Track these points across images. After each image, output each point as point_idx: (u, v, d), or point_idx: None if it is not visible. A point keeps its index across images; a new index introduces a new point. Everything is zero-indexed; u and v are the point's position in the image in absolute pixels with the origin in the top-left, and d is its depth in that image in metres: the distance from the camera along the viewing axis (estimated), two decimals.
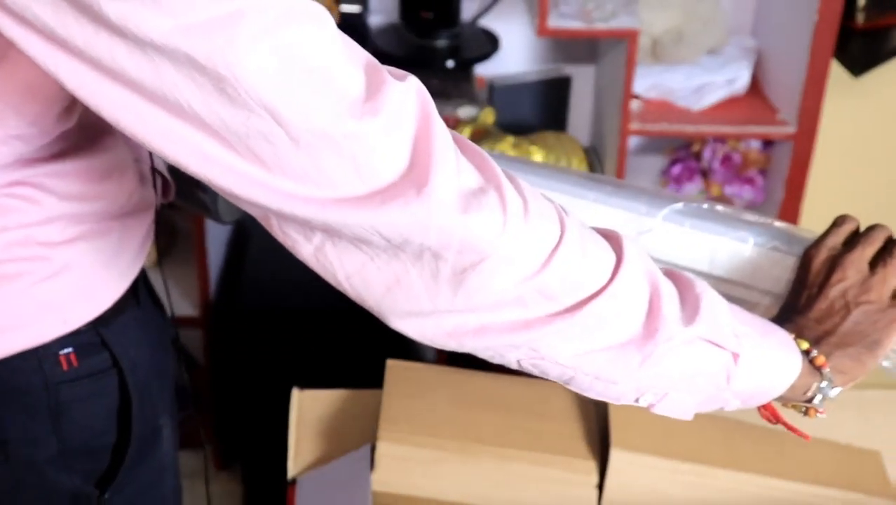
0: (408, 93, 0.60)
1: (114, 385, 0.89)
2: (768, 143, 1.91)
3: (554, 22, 1.70)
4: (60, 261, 0.84)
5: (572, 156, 1.85)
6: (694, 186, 1.95)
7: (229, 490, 1.98)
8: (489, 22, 1.90)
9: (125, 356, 0.89)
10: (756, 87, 1.90)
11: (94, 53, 0.55)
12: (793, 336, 0.77)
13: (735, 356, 0.72)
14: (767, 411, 0.81)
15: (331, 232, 0.63)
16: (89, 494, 0.91)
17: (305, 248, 0.65)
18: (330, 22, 0.60)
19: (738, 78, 1.86)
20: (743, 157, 1.91)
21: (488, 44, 1.86)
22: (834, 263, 0.80)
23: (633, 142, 1.91)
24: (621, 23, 1.71)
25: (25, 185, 0.79)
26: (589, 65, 2.00)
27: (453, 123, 1.81)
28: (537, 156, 1.85)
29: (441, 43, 1.82)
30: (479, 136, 1.78)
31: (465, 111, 1.77)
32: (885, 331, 0.79)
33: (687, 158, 1.97)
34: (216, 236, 1.92)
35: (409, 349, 2.13)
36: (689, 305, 0.71)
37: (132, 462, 0.92)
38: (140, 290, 0.94)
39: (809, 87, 1.73)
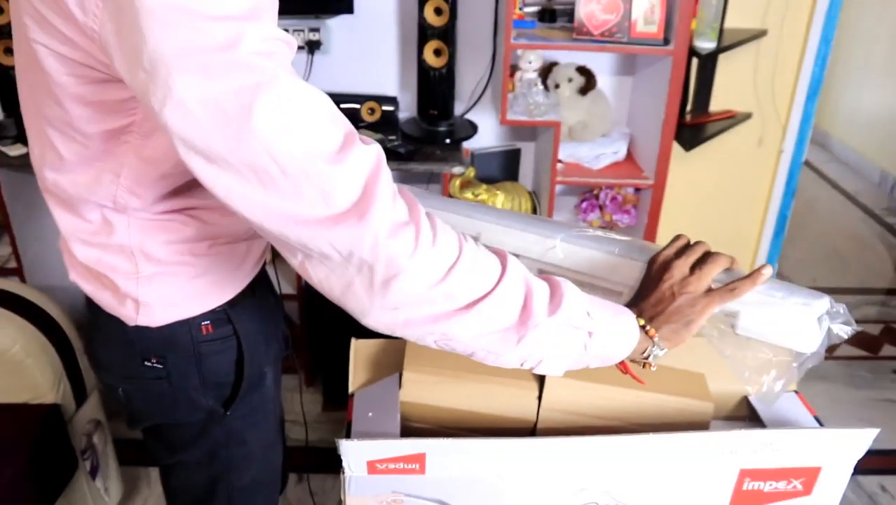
0: (368, 153, 0.65)
1: (234, 346, 0.94)
2: (638, 190, 2.03)
3: (510, 116, 1.86)
4: (204, 265, 0.88)
5: (522, 196, 1.99)
6: (594, 215, 2.09)
7: (314, 399, 2.07)
8: (472, 116, 2.07)
9: (241, 328, 0.94)
10: (630, 156, 2.06)
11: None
12: (636, 315, 0.82)
13: (590, 333, 0.77)
14: (621, 366, 0.86)
15: (305, 250, 0.66)
16: (217, 410, 0.97)
17: (294, 262, 0.68)
18: (324, 98, 0.65)
19: (619, 150, 2.03)
20: (623, 197, 2.05)
21: (471, 129, 2.00)
22: (666, 266, 0.86)
23: (558, 188, 1.96)
24: (550, 117, 1.87)
25: (182, 212, 0.84)
26: (531, 141, 2.14)
27: (448, 177, 1.91)
28: (501, 196, 1.94)
29: (442, 128, 1.94)
30: (465, 185, 1.91)
31: (456, 169, 1.85)
32: (698, 313, 0.83)
33: (590, 198, 2.11)
34: None
35: None
36: (555, 301, 0.74)
37: (244, 393, 0.97)
38: (256, 283, 0.96)
39: (661, 156, 1.89)
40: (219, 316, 0.92)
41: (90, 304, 0.95)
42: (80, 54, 0.68)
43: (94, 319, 0.95)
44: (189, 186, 0.82)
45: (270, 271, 1.03)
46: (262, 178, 0.61)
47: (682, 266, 0.85)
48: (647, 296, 0.85)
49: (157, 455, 1.06)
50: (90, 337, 0.99)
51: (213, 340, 0.93)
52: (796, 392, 1.14)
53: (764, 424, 1.08)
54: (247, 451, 1.04)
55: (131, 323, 0.90)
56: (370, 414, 1.02)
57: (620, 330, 0.81)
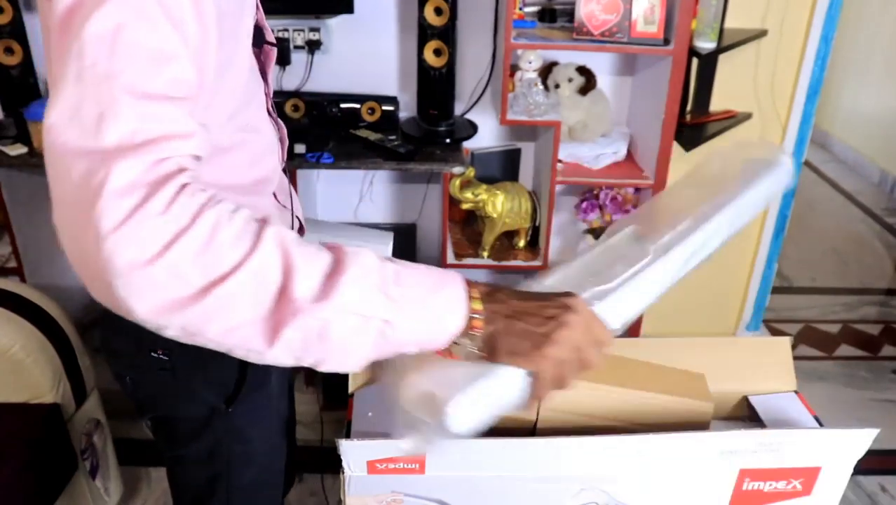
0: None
1: None
2: (638, 190, 2.02)
3: (510, 116, 1.86)
4: None
5: (522, 196, 1.98)
6: (594, 215, 2.07)
7: (314, 399, 2.06)
8: (472, 115, 2.06)
9: None
10: (630, 156, 2.06)
11: None
12: (467, 294, 0.63)
13: (385, 321, 0.59)
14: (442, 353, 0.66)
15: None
16: (220, 406, 0.98)
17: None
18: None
19: (619, 150, 2.03)
20: (623, 197, 2.03)
21: (471, 129, 1.99)
22: (578, 310, 0.67)
23: (558, 188, 1.96)
24: (550, 117, 1.87)
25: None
26: (531, 141, 2.14)
27: (448, 177, 1.90)
28: (501, 196, 1.94)
29: (442, 128, 1.93)
30: (465, 185, 1.91)
31: (457, 169, 1.84)
32: (540, 356, 0.65)
33: (590, 198, 2.09)
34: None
35: None
36: (331, 281, 0.57)
37: (247, 391, 0.97)
38: None
39: (661, 157, 1.89)
40: None
41: None
42: None
43: (104, 307, 0.94)
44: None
45: None
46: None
47: (588, 327, 0.67)
48: (525, 299, 0.67)
49: (161, 448, 1.07)
50: (102, 325, 0.99)
51: None
52: (796, 392, 1.14)
53: (764, 424, 1.09)
54: (248, 449, 1.03)
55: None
56: (370, 414, 1.03)
57: (435, 314, 0.62)
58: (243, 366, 0.94)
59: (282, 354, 0.59)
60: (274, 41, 0.95)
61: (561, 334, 0.65)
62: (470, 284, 0.65)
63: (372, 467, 0.97)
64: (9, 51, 1.88)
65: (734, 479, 1.02)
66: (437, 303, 0.63)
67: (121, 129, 0.55)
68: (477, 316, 0.64)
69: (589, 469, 0.99)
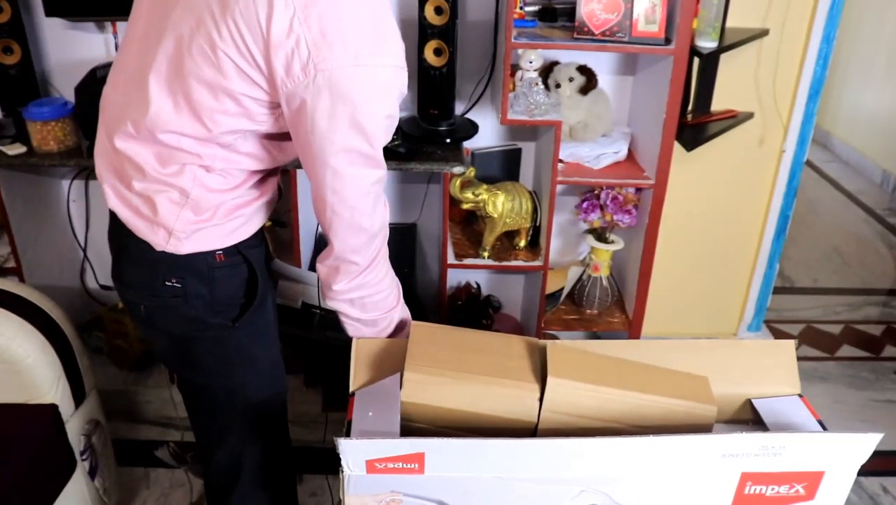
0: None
1: (245, 270, 1.14)
2: (639, 190, 2.01)
3: (510, 116, 1.85)
4: (231, 217, 1.11)
5: (523, 196, 1.98)
6: (595, 215, 2.06)
7: (314, 399, 2.07)
8: (472, 115, 2.07)
9: (250, 255, 1.14)
10: (631, 156, 2.05)
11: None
12: None
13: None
14: None
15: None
16: (227, 324, 1.15)
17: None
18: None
19: (620, 150, 2.02)
20: (624, 197, 2.02)
21: (471, 128, 1.99)
22: None
23: (559, 188, 1.94)
24: (551, 117, 1.86)
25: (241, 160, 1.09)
26: (531, 141, 2.14)
27: (449, 177, 1.90)
28: (501, 196, 1.93)
29: (442, 128, 1.93)
30: (465, 185, 1.91)
31: (457, 169, 1.85)
32: None
33: (591, 198, 2.09)
34: (307, 242, 2.05)
35: (423, 315, 2.42)
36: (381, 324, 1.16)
37: (251, 311, 1.16)
38: (260, 232, 1.18)
39: (662, 156, 1.88)
40: (231, 249, 1.12)
41: (120, 229, 1.12)
42: (263, 85, 0.97)
43: (123, 242, 1.13)
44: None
45: None
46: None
47: None
48: None
49: (183, 380, 1.26)
50: (117, 259, 1.17)
51: (225, 266, 1.12)
52: (800, 396, 1.13)
53: (767, 427, 1.08)
54: (257, 368, 1.21)
55: (159, 249, 1.08)
56: (370, 413, 1.03)
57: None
58: (249, 290, 1.16)
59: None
60: None
61: None
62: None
63: (371, 467, 0.97)
64: (8, 50, 1.87)
65: (735, 482, 1.01)
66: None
67: None
68: None
69: (589, 471, 0.99)
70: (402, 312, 1.19)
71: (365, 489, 1.00)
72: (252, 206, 1.14)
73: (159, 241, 1.08)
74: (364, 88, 0.94)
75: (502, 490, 1.00)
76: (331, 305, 1.14)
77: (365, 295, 1.12)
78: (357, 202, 1.03)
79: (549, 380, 1.04)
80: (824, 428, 1.07)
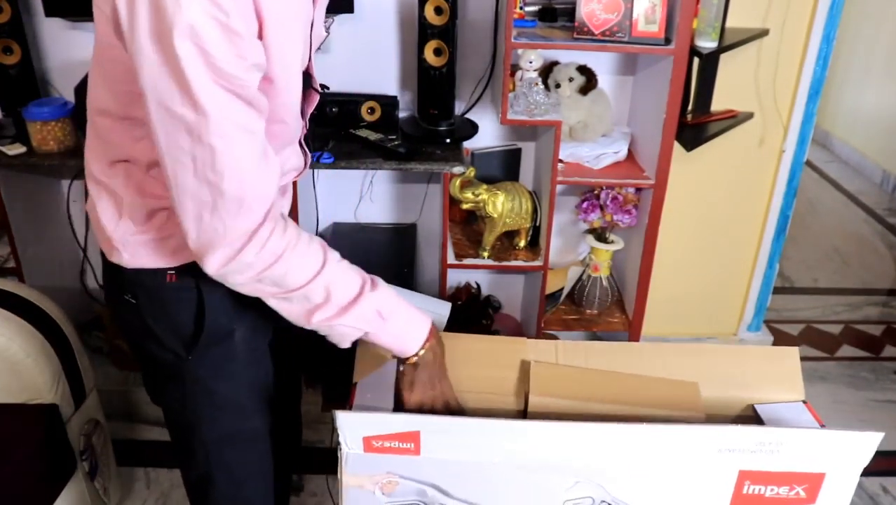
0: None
1: (194, 297, 1.02)
2: (639, 190, 2.01)
3: (510, 116, 1.84)
4: (169, 230, 0.99)
5: (523, 196, 1.98)
6: (595, 215, 2.06)
7: (314, 399, 2.06)
8: (472, 115, 2.06)
9: (205, 284, 1.00)
10: (631, 156, 2.05)
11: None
12: (422, 343, 1.02)
13: (367, 332, 0.98)
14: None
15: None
16: (181, 353, 1.05)
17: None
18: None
19: (620, 150, 2.01)
20: (624, 197, 2.02)
21: (471, 128, 1.98)
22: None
23: (559, 188, 1.94)
24: (551, 117, 1.85)
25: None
26: (531, 141, 2.14)
27: (448, 177, 1.89)
28: (501, 196, 1.93)
29: (442, 128, 1.93)
30: (465, 185, 1.90)
31: (457, 169, 1.84)
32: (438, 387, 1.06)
33: (591, 198, 2.08)
34: None
35: None
36: (352, 306, 0.95)
37: (205, 344, 1.04)
38: None
39: (662, 156, 1.87)
40: (184, 271, 1.01)
41: None
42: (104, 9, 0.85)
43: (103, 255, 1.07)
44: None
45: None
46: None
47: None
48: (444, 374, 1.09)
49: (151, 396, 1.20)
50: (103, 268, 1.11)
51: (175, 289, 1.02)
52: (804, 402, 1.12)
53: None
54: (214, 402, 1.10)
55: (108, 258, 1.03)
56: (369, 395, 1.06)
57: (403, 336, 1.03)
58: (199, 317, 1.04)
59: (309, 327, 0.98)
60: (319, 88, 1.14)
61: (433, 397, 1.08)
62: (431, 335, 1.06)
63: (368, 445, 0.98)
64: (8, 50, 1.87)
65: (733, 480, 1.00)
66: (409, 330, 1.04)
67: None
68: (416, 357, 1.04)
69: (582, 458, 0.99)
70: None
71: (362, 468, 1.01)
72: None
73: (108, 251, 1.03)
74: None
75: (497, 477, 1.01)
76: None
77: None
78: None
79: (531, 399, 1.05)
80: None
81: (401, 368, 1.07)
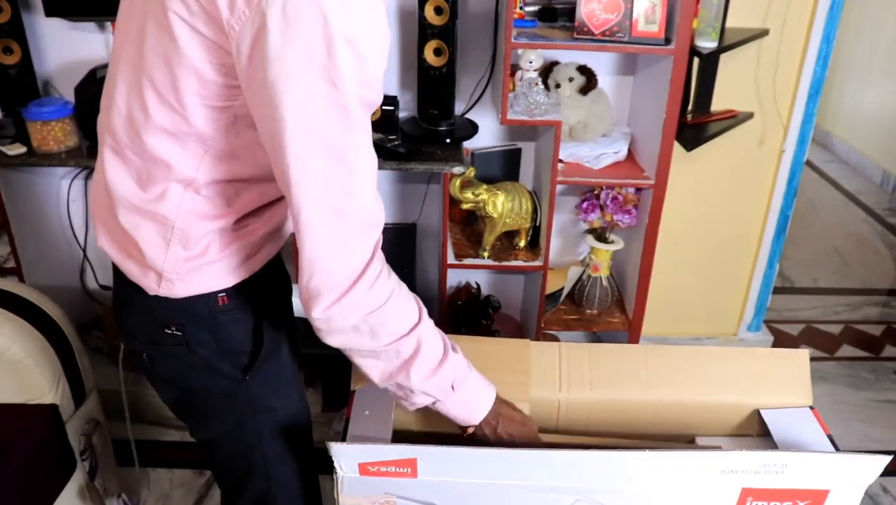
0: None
1: (250, 315, 1.00)
2: (639, 190, 2.01)
3: (510, 116, 1.84)
4: (226, 251, 0.96)
5: (523, 196, 1.98)
6: (595, 215, 2.07)
7: (314, 399, 2.07)
8: (472, 115, 2.06)
9: (256, 300, 1.00)
10: (631, 156, 2.05)
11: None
12: (491, 404, 1.01)
13: (436, 400, 0.96)
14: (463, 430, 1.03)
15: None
16: (236, 375, 1.02)
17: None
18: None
19: (620, 150, 2.01)
20: (624, 197, 2.02)
21: (471, 128, 1.98)
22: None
23: (559, 188, 1.94)
24: (550, 117, 1.85)
25: (228, 185, 0.94)
26: (531, 141, 2.14)
27: (448, 177, 1.89)
28: (501, 196, 1.93)
29: (442, 128, 1.93)
30: (465, 185, 1.90)
31: (457, 169, 1.84)
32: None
33: (591, 198, 2.09)
34: None
35: None
36: (439, 368, 0.93)
37: (262, 360, 1.02)
38: (272, 268, 1.04)
39: (662, 156, 1.87)
40: (236, 290, 0.98)
41: (116, 271, 1.01)
42: (214, 37, 0.79)
43: (119, 286, 1.02)
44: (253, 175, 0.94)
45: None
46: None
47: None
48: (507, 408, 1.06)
49: (193, 431, 1.12)
50: (116, 304, 1.05)
51: (229, 311, 0.98)
52: (811, 408, 1.11)
53: (774, 440, 1.05)
54: (274, 418, 1.08)
55: (151, 293, 0.96)
56: (367, 412, 1.05)
57: (470, 406, 1.01)
58: (257, 338, 1.02)
59: (381, 385, 0.96)
60: None
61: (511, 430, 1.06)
62: (497, 402, 1.04)
63: (364, 470, 0.97)
64: (8, 50, 1.87)
65: (736, 497, 0.99)
66: (475, 402, 1.02)
67: None
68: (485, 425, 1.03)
69: (584, 482, 0.98)
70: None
71: (359, 491, 1.00)
72: (255, 235, 0.98)
73: (151, 285, 0.95)
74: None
75: (496, 496, 1.00)
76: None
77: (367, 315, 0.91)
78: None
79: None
80: (834, 444, 1.03)
81: (465, 434, 1.06)
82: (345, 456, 0.96)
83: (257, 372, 1.03)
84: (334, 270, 0.85)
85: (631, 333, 2.14)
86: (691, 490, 0.99)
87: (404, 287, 0.94)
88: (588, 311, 2.19)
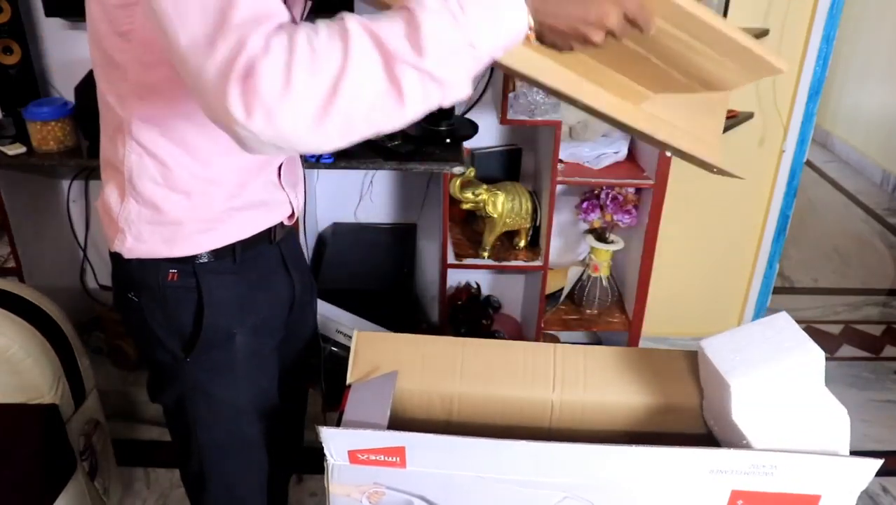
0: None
1: (195, 298, 1.00)
2: (639, 190, 2.02)
3: (510, 116, 1.85)
4: (176, 211, 0.96)
5: (522, 196, 1.98)
6: (595, 215, 2.07)
7: (314, 399, 1.92)
8: (472, 115, 2.06)
9: (206, 285, 1.00)
10: (631, 156, 2.05)
11: None
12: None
13: (471, 45, 0.68)
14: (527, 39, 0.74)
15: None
16: (179, 354, 1.03)
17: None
18: None
19: (620, 150, 2.02)
20: (624, 197, 2.03)
21: (471, 128, 1.97)
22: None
23: (559, 188, 1.96)
24: (551, 117, 1.85)
25: (169, 141, 0.92)
26: (531, 141, 2.14)
27: (448, 177, 1.89)
28: (501, 196, 1.94)
29: (442, 128, 1.92)
30: (465, 185, 1.90)
31: (457, 169, 1.83)
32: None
33: (591, 198, 2.09)
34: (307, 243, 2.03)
35: (423, 315, 2.40)
36: (415, 43, 0.65)
37: (204, 346, 1.02)
38: (247, 260, 1.03)
39: (662, 156, 1.87)
40: (186, 268, 0.99)
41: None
42: None
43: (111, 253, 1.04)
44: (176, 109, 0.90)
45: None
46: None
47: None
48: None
49: (151, 392, 1.16)
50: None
51: (176, 288, 0.99)
52: None
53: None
54: (212, 406, 1.09)
55: (111, 248, 1.00)
56: (361, 410, 1.04)
57: (505, 24, 0.71)
58: (198, 317, 1.02)
59: (415, 107, 0.69)
60: None
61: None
62: None
63: (353, 457, 0.98)
64: (7, 50, 1.88)
65: (725, 500, 0.98)
66: (503, 14, 0.70)
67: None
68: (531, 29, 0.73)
69: (571, 478, 0.97)
70: None
71: (349, 479, 1.00)
72: (219, 207, 0.96)
73: (111, 237, 0.99)
74: None
75: (484, 490, 1.00)
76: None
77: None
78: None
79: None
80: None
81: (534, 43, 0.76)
82: (335, 442, 0.96)
83: (199, 356, 1.04)
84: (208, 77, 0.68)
85: (631, 333, 2.14)
86: (681, 491, 0.98)
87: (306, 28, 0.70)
88: (588, 311, 2.19)
